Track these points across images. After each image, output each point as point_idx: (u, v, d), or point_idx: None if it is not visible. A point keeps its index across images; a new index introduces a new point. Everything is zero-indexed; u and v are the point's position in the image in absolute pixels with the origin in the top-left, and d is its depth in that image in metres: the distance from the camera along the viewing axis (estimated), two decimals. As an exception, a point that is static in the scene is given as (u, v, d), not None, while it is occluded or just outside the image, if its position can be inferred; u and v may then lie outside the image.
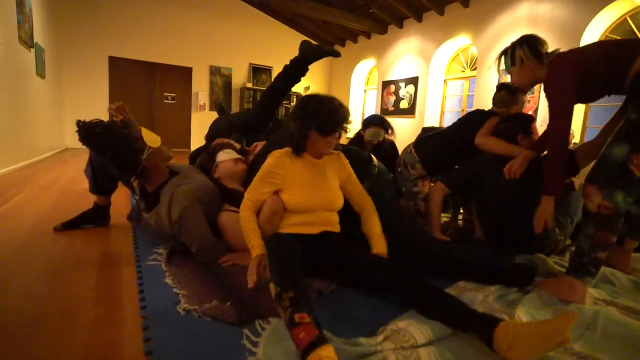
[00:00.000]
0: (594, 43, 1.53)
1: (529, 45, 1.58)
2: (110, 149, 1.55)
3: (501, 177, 1.82)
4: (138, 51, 7.78)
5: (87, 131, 1.54)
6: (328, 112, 1.28)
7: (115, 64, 7.63)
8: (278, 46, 9.15)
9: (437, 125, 7.79)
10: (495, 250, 1.92)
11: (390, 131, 2.83)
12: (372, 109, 9.17)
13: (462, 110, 7.36)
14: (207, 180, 1.77)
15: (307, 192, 1.37)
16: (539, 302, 1.37)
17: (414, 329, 1.02)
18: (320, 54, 2.35)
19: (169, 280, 1.34)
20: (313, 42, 2.42)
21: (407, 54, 7.87)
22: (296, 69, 2.39)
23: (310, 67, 2.38)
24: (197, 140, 8.28)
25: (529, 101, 5.92)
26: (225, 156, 1.91)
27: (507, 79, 1.70)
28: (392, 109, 8.42)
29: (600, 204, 1.30)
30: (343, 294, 1.32)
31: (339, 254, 1.34)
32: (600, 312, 1.28)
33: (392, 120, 9.27)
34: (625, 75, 1.35)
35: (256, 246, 1.28)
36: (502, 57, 1.68)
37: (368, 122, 2.83)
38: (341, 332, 1.04)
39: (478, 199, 2.03)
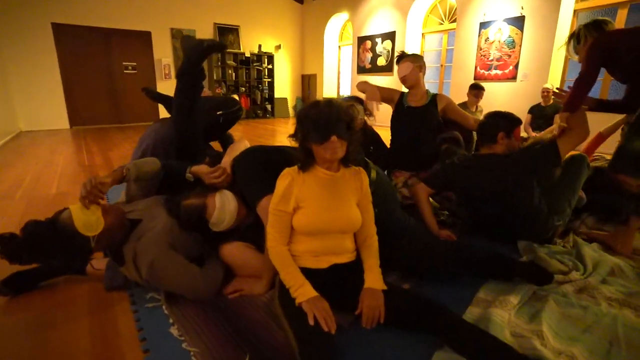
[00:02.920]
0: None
1: (593, 23, 1.82)
2: (48, 257, 1.34)
3: (482, 176, 1.86)
4: (87, 16, 6.94)
5: (9, 255, 1.26)
6: (315, 119, 1.18)
7: (61, 31, 6.80)
8: (245, 2, 8.40)
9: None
10: (493, 240, 1.96)
11: (368, 112, 2.71)
12: (348, 67, 8.80)
13: (441, 66, 7.16)
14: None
15: (319, 211, 1.24)
16: (557, 310, 1.37)
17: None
18: (203, 52, 2.03)
19: (174, 331, 1.22)
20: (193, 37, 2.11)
21: (382, 7, 7.43)
22: (191, 78, 2.10)
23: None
24: (165, 111, 7.81)
25: (510, 56, 5.79)
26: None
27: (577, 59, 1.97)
28: (369, 66, 8.12)
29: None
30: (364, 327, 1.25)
31: (351, 291, 1.24)
32: (618, 318, 1.29)
33: (370, 78, 8.99)
34: None
35: (305, 285, 1.16)
36: (572, 39, 1.92)
37: (346, 98, 2.74)
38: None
39: (467, 201, 2.03)
